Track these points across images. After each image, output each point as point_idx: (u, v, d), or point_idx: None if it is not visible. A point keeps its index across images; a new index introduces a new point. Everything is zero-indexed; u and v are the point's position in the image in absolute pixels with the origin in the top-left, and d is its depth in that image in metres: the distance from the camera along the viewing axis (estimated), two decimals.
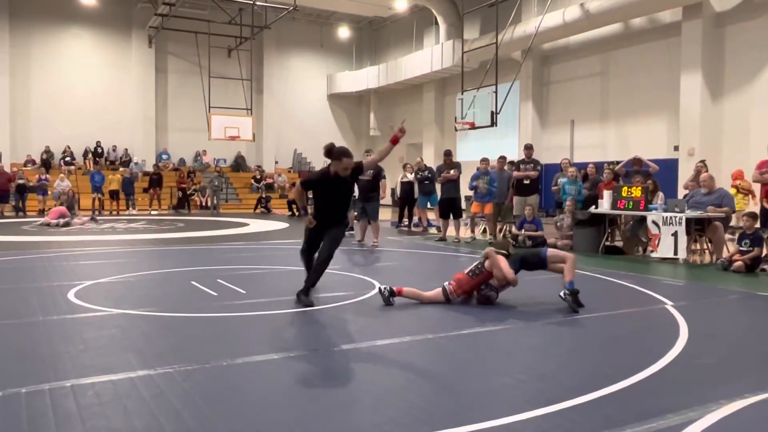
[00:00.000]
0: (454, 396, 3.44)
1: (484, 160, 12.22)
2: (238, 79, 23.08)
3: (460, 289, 5.90)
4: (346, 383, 3.67)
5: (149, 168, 24.54)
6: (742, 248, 8.45)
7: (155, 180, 21.91)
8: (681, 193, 13.05)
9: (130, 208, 20.95)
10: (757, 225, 8.60)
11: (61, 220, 14.95)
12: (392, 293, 5.83)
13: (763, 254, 8.55)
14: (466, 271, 5.99)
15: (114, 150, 25.05)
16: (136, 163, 24.18)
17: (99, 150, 24.72)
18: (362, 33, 30.21)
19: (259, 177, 25.78)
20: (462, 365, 4.08)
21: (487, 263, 5.91)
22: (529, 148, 12.33)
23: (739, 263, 8.20)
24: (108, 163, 24.57)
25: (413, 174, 15.03)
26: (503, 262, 5.77)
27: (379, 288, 5.93)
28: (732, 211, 9.05)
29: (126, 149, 25.07)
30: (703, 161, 10.14)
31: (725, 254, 8.89)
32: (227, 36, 23.47)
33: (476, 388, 3.57)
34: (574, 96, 19.90)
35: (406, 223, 15.16)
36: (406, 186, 14.96)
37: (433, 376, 3.85)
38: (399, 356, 4.23)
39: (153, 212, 21.00)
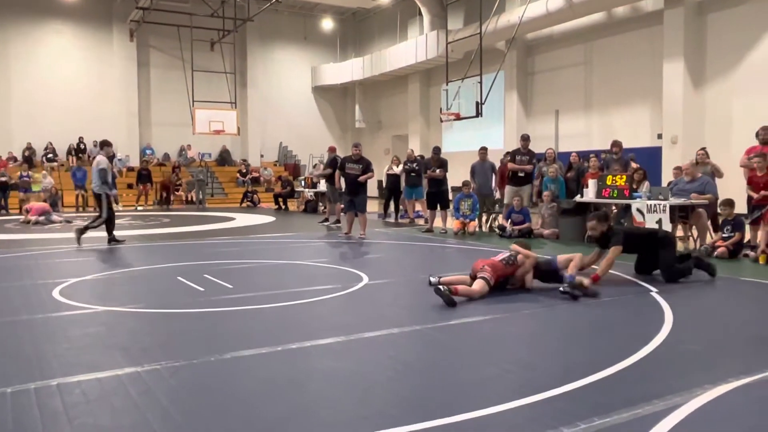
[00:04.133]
0: (442, 387, 3.46)
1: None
2: (222, 72, 22.91)
3: (495, 274, 5.89)
4: (335, 376, 3.67)
5: (133, 163, 24.35)
6: (724, 234, 8.56)
7: (144, 176, 21.69)
8: (665, 180, 13.17)
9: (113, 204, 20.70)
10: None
11: (42, 218, 14.75)
12: (452, 292, 5.46)
13: (746, 239, 8.66)
14: (498, 259, 6.04)
15: (96, 146, 24.77)
16: (119, 159, 23.96)
17: (82, 146, 24.45)
18: (346, 24, 30.08)
19: (244, 171, 25.67)
20: (450, 356, 4.09)
21: (519, 257, 6.02)
22: (525, 139, 12.26)
23: (722, 249, 8.30)
24: (92, 159, 24.29)
25: (399, 166, 15.04)
26: (531, 266, 6.03)
27: (437, 288, 5.48)
28: (715, 198, 9.14)
29: None
30: (703, 149, 10.17)
31: (708, 240, 8.98)
32: (210, 29, 23.27)
33: (465, 378, 3.59)
34: (559, 85, 19.96)
35: (393, 214, 15.15)
36: (393, 178, 14.97)
37: (422, 368, 3.87)
38: (387, 348, 4.23)
39: (139, 208, 20.83)
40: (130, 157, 24.75)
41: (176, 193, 23.03)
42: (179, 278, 6.97)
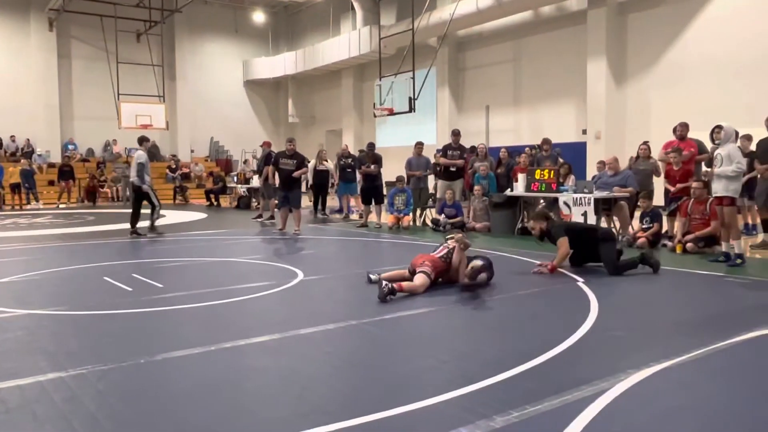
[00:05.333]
0: (379, 381, 3.48)
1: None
2: (149, 65, 22.12)
3: (435, 270, 5.94)
4: (271, 374, 3.63)
5: (54, 159, 23.26)
6: (643, 225, 8.99)
7: (66, 172, 20.70)
8: (590, 174, 13.68)
9: (33, 202, 19.77)
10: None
11: None
12: (392, 291, 5.45)
13: (664, 230, 9.11)
14: (438, 255, 6.08)
15: (13, 141, 23.51)
16: (39, 155, 22.81)
17: None
18: (278, 18, 29.67)
19: (174, 167, 24.94)
20: (386, 350, 4.13)
21: (455, 257, 6.05)
22: (456, 134, 12.44)
23: (642, 240, 8.71)
24: (9, 154, 23.04)
25: (329, 162, 14.91)
26: (464, 263, 6.05)
27: (381, 283, 5.49)
28: (636, 191, 9.56)
29: (28, 140, 23.60)
30: (645, 143, 10.54)
31: (630, 231, 9.40)
32: (135, 20, 22.46)
33: (401, 371, 3.62)
34: (489, 82, 20.38)
35: (321, 210, 14.96)
36: (323, 174, 14.80)
37: (359, 363, 3.88)
38: (324, 344, 4.23)
39: (61, 206, 19.92)
40: (51, 152, 23.60)
41: (101, 189, 22.17)
42: (106, 278, 6.72)
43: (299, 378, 3.53)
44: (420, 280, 5.77)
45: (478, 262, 5.97)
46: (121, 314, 5.14)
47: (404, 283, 5.71)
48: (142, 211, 11.09)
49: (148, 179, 10.99)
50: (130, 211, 11.16)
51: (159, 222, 11.51)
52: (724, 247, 7.47)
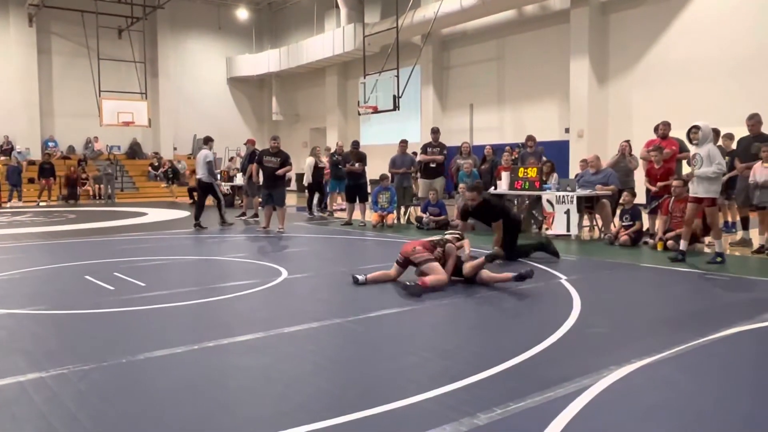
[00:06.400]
0: (362, 379, 3.48)
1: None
2: (131, 61, 21.92)
3: (431, 253, 6.02)
4: (254, 373, 3.62)
5: (34, 156, 22.97)
6: (624, 223, 9.06)
7: (47, 169, 20.43)
8: (572, 172, 13.78)
9: (15, 199, 19.51)
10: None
11: None
12: (421, 286, 5.59)
13: (645, 228, 9.20)
14: (428, 240, 6.21)
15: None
16: (19, 152, 22.51)
17: None
18: (262, 15, 29.51)
19: (156, 164, 24.76)
20: (370, 348, 4.13)
21: (448, 245, 6.15)
22: (435, 132, 12.51)
23: (624, 237, 8.79)
24: None
25: (328, 157, 14.81)
26: (452, 262, 6.12)
27: (405, 285, 5.63)
28: (618, 189, 9.64)
29: (6, 137, 23.27)
30: (627, 141, 10.59)
31: (612, 229, 9.48)
32: (117, 15, 22.22)
33: (384, 369, 3.63)
34: (473, 80, 20.44)
35: (315, 209, 14.89)
36: (322, 171, 14.71)
37: (342, 360, 3.88)
38: (307, 342, 4.22)
39: (41, 203, 19.67)
40: (30, 149, 23.28)
41: (83, 187, 21.93)
42: (87, 277, 6.65)
43: (282, 376, 3.52)
44: (438, 270, 5.85)
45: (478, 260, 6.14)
46: (103, 313, 5.09)
47: (427, 278, 5.74)
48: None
49: (215, 177, 11.94)
50: (196, 204, 12.09)
51: (150, 219, 11.62)
52: (682, 246, 7.42)
